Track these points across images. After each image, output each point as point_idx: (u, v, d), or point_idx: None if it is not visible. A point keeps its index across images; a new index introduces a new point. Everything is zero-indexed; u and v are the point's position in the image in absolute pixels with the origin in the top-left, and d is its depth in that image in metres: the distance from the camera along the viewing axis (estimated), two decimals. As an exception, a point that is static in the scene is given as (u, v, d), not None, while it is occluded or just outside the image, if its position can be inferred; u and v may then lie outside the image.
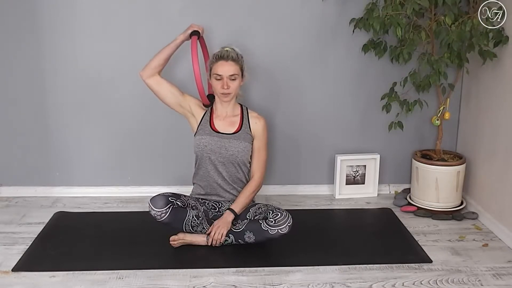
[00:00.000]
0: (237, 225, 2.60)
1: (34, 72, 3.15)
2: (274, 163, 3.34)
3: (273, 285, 2.32)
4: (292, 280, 2.35)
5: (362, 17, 2.95)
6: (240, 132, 2.72)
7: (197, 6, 3.08)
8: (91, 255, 2.56)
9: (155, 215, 2.51)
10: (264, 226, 2.50)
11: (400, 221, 2.99)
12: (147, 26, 3.10)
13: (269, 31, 3.14)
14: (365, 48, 3.08)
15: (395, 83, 3.10)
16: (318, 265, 2.46)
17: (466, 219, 3.02)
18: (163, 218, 2.51)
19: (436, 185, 3.04)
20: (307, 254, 2.57)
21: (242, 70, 2.70)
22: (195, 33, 2.69)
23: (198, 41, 2.70)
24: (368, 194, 3.38)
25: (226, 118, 2.75)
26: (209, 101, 2.75)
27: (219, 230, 2.57)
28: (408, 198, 3.23)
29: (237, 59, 2.67)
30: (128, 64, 3.11)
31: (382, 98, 3.14)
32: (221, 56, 2.64)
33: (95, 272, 2.40)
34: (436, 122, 3.09)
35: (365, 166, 3.36)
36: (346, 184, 3.37)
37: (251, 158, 2.77)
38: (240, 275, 2.39)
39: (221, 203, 2.76)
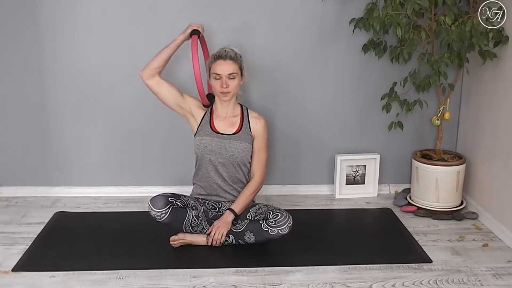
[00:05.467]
0: (237, 225, 2.60)
1: (34, 72, 3.15)
2: (274, 163, 3.34)
3: (273, 285, 2.32)
4: (292, 280, 2.35)
5: (362, 17, 2.95)
6: (240, 132, 2.72)
7: (197, 6, 3.08)
8: (91, 255, 2.56)
9: (155, 216, 2.51)
10: (264, 226, 2.50)
11: (400, 221, 2.99)
12: (148, 26, 3.10)
13: (269, 31, 3.14)
14: (365, 48, 3.08)
15: (395, 83, 3.10)
16: (318, 265, 2.46)
17: (466, 219, 3.02)
18: (163, 219, 2.51)
19: (436, 185, 3.04)
20: (307, 254, 2.58)
21: (241, 69, 2.70)
22: (195, 32, 2.69)
23: (198, 40, 2.70)
24: (368, 194, 3.38)
25: (226, 119, 2.75)
26: (208, 101, 2.75)
27: (219, 230, 2.57)
28: (408, 198, 3.23)
29: (236, 58, 2.67)
30: (128, 64, 3.11)
31: (382, 98, 3.15)
32: (219, 56, 2.65)
33: (95, 272, 2.40)
34: (436, 122, 3.09)
35: (365, 166, 3.36)
36: (346, 184, 3.37)
37: (251, 159, 2.77)
38: (240, 275, 2.39)
39: (221, 204, 2.76)
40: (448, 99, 3.08)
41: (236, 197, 2.73)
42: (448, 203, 3.06)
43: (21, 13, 3.05)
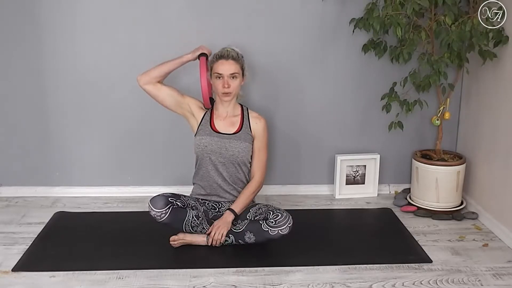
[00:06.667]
0: (237, 225, 2.60)
1: (34, 72, 3.15)
2: (274, 163, 3.34)
3: (273, 285, 2.32)
4: (292, 280, 2.35)
5: (362, 17, 2.95)
6: (240, 132, 2.72)
7: (197, 6, 3.08)
8: (91, 255, 2.56)
9: (155, 216, 2.51)
10: (264, 226, 2.50)
11: (400, 221, 2.99)
12: (147, 27, 3.10)
13: (269, 31, 3.14)
14: (365, 48, 3.08)
15: (395, 83, 3.10)
16: (318, 265, 2.46)
17: (466, 219, 3.02)
18: (163, 219, 2.51)
19: (436, 185, 3.04)
20: (307, 254, 2.58)
21: (242, 69, 2.70)
22: (203, 55, 2.71)
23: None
24: (368, 194, 3.38)
25: (226, 118, 2.75)
26: (210, 105, 2.77)
27: (219, 230, 2.57)
28: (408, 198, 3.23)
29: (237, 58, 2.67)
30: (128, 64, 3.11)
31: (382, 98, 3.15)
32: (221, 55, 2.65)
33: (95, 272, 2.40)
34: (436, 122, 3.09)
35: (365, 166, 3.36)
36: (346, 184, 3.37)
37: (251, 159, 2.77)
38: (240, 275, 2.39)
39: (221, 204, 2.76)
40: (448, 99, 3.08)
41: (236, 197, 2.73)
42: (448, 203, 3.06)
43: (21, 13, 3.05)
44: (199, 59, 2.71)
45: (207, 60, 2.75)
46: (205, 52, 2.73)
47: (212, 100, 2.79)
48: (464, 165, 3.07)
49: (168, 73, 2.73)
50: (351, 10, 3.07)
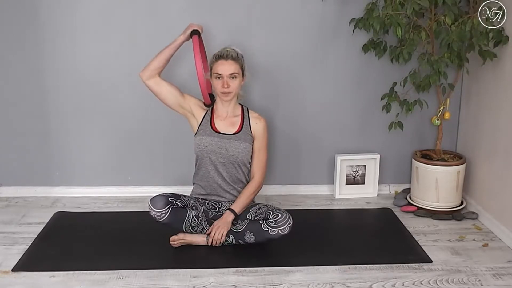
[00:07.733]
0: (237, 225, 2.60)
1: (34, 72, 3.15)
2: (274, 163, 3.34)
3: (273, 285, 2.32)
4: (292, 280, 2.35)
5: (362, 17, 2.95)
6: (240, 132, 2.72)
7: (197, 6, 3.08)
8: (91, 255, 2.56)
9: (155, 216, 2.51)
10: (264, 226, 2.50)
11: (400, 221, 2.99)
12: (147, 26, 3.10)
13: (269, 31, 3.14)
14: (365, 48, 3.08)
15: (395, 83, 3.10)
16: (318, 265, 2.46)
17: (466, 219, 3.02)
18: (163, 219, 2.51)
19: (436, 185, 3.04)
20: (307, 254, 2.58)
21: (242, 69, 2.70)
22: (195, 33, 2.69)
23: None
24: (368, 194, 3.38)
25: (227, 119, 2.75)
26: (210, 100, 2.75)
27: (219, 230, 2.57)
28: (408, 198, 3.23)
29: (237, 58, 2.67)
30: (128, 64, 3.11)
31: (382, 98, 3.15)
32: (221, 56, 2.65)
33: (95, 272, 2.40)
34: (436, 122, 3.09)
35: (365, 166, 3.36)
36: (346, 184, 3.37)
37: (251, 159, 2.77)
38: (240, 275, 2.39)
39: (221, 203, 2.76)
40: (448, 99, 3.08)
41: (236, 197, 2.73)
42: (448, 203, 3.06)
43: (21, 13, 3.05)
44: (191, 38, 2.69)
45: (200, 37, 2.73)
46: (196, 28, 2.69)
47: (212, 98, 2.78)
48: (464, 165, 3.07)
49: (166, 60, 2.71)
50: (351, 10, 3.07)
